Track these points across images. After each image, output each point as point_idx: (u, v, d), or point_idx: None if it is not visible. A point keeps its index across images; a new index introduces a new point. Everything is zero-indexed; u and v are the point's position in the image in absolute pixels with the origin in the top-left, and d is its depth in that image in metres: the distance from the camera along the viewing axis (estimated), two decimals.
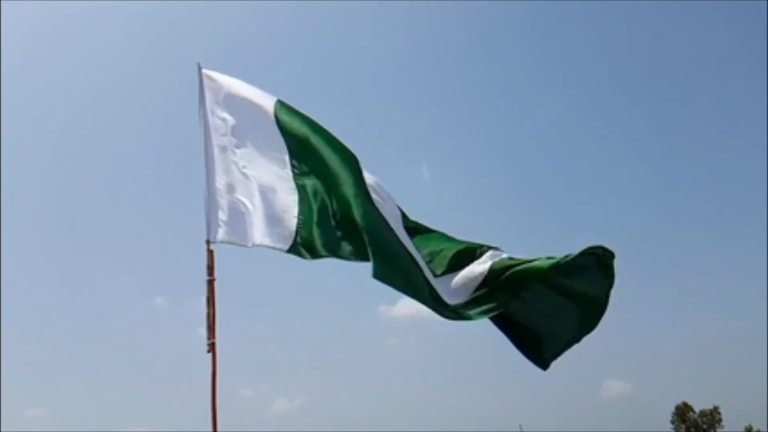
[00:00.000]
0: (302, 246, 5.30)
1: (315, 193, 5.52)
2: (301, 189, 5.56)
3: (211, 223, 5.36)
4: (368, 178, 5.45)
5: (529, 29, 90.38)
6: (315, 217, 5.41)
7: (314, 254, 5.29)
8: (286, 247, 5.29)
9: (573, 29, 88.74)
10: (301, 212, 5.43)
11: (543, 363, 5.46)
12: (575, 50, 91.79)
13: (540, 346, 5.45)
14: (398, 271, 5.05)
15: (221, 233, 5.35)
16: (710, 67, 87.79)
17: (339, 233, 5.34)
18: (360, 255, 5.24)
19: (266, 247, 5.30)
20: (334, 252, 5.31)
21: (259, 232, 5.36)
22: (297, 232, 5.33)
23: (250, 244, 5.35)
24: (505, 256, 5.25)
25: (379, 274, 4.90)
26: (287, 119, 5.75)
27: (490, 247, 5.33)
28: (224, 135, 5.82)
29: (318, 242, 5.31)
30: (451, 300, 5.14)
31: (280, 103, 5.86)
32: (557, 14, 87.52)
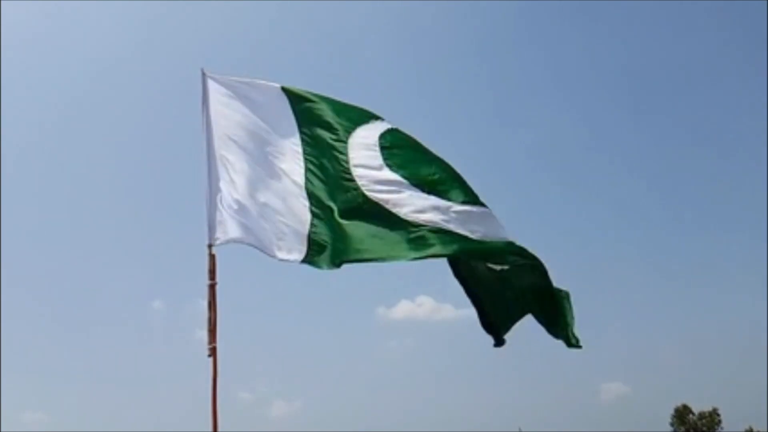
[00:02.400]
0: (316, 256, 5.23)
1: (323, 191, 5.50)
2: (311, 187, 5.54)
3: (212, 227, 5.30)
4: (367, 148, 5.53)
5: (524, 37, 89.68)
6: (328, 222, 5.34)
7: (328, 264, 5.18)
8: (300, 258, 5.23)
9: (568, 36, 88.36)
10: (313, 218, 5.39)
11: (501, 338, 5.52)
12: (570, 59, 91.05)
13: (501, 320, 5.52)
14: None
15: (225, 234, 5.26)
16: (708, 74, 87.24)
17: (341, 233, 5.24)
18: (366, 253, 5.17)
19: (281, 260, 5.24)
20: (344, 258, 5.16)
21: (270, 242, 5.31)
22: (310, 241, 5.28)
23: (252, 244, 5.28)
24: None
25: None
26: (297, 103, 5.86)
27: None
28: (232, 137, 5.72)
29: (330, 251, 5.21)
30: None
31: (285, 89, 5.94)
32: (553, 21, 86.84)
